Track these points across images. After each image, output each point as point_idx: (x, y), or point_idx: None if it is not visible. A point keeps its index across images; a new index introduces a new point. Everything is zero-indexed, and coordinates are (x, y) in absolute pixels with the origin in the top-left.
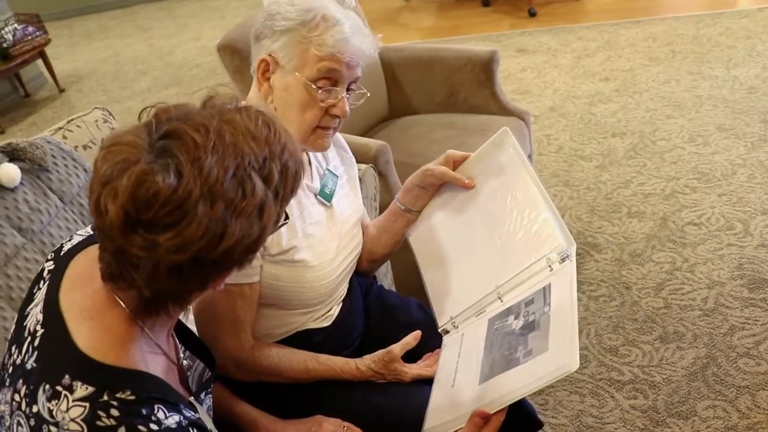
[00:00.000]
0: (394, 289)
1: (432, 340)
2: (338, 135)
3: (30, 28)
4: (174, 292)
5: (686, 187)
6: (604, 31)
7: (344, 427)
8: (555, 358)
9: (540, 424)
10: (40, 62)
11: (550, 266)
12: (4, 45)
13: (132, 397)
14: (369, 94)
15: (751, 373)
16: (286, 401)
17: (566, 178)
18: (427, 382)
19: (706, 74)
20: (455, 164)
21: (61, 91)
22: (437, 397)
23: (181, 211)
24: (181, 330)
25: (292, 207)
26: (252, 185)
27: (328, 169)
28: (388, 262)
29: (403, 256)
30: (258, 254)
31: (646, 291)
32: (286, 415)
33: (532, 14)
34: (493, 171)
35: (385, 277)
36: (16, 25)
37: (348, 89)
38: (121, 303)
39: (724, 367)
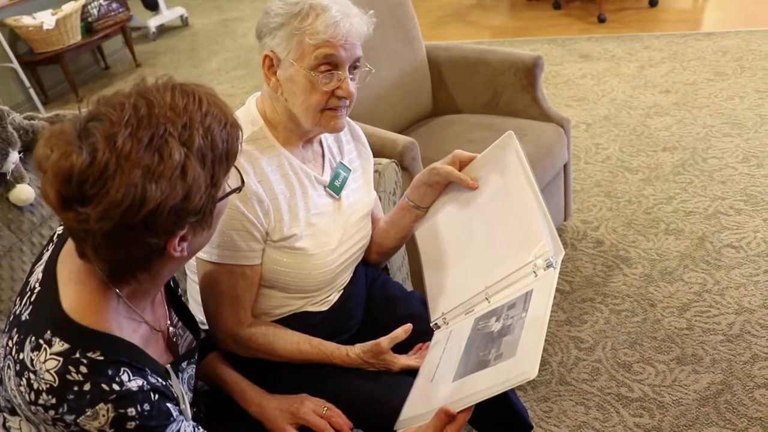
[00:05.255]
0: (409, 282)
1: (429, 333)
2: (359, 130)
3: (114, 5)
4: (127, 259)
5: (731, 208)
6: (672, 42)
7: (325, 407)
8: (518, 364)
9: (530, 427)
10: (121, 37)
11: (535, 272)
12: (89, 19)
13: (101, 358)
14: (374, 71)
15: (766, 405)
16: (277, 378)
17: (608, 188)
18: (415, 374)
19: None
20: (462, 164)
21: (138, 65)
22: (417, 389)
23: (101, 182)
24: (178, 304)
25: (297, 197)
26: (170, 150)
27: (341, 163)
28: (405, 255)
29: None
30: (260, 239)
31: (671, 310)
32: (275, 391)
33: (602, 20)
34: (496, 173)
35: (400, 270)
36: (101, 0)
37: (354, 68)
38: (99, 271)
39: (738, 396)
